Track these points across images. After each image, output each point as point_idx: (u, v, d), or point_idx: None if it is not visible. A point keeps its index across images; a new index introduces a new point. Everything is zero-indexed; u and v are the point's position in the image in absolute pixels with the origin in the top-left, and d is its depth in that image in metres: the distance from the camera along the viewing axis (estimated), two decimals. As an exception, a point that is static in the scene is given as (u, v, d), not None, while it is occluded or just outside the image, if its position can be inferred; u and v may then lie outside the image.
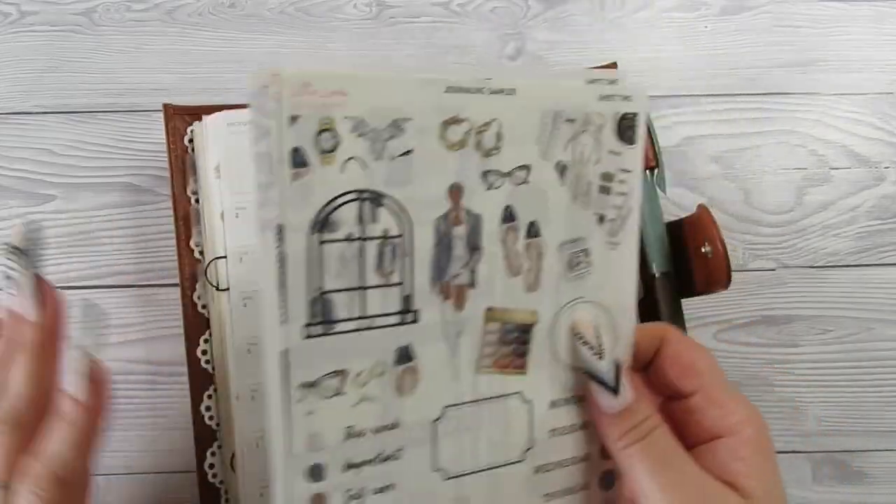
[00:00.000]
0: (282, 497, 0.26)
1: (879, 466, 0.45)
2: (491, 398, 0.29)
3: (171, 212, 0.40)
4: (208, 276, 0.38)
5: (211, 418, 0.39)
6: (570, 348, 0.30)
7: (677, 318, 0.40)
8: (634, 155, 0.29)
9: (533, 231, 0.29)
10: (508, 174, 0.28)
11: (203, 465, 0.38)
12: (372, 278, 0.26)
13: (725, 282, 0.37)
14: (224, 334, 0.38)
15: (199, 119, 0.40)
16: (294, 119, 0.24)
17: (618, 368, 0.29)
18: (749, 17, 0.50)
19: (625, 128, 0.29)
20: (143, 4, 0.48)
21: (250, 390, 0.38)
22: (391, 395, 0.27)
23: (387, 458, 0.27)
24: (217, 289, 0.38)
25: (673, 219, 0.40)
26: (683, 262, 0.39)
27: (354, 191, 0.25)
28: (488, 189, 0.27)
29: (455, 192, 0.27)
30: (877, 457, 0.45)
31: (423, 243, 0.27)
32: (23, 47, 0.47)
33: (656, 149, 0.41)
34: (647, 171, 0.41)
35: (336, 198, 0.25)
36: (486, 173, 0.27)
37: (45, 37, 0.47)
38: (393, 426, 0.27)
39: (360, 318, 0.26)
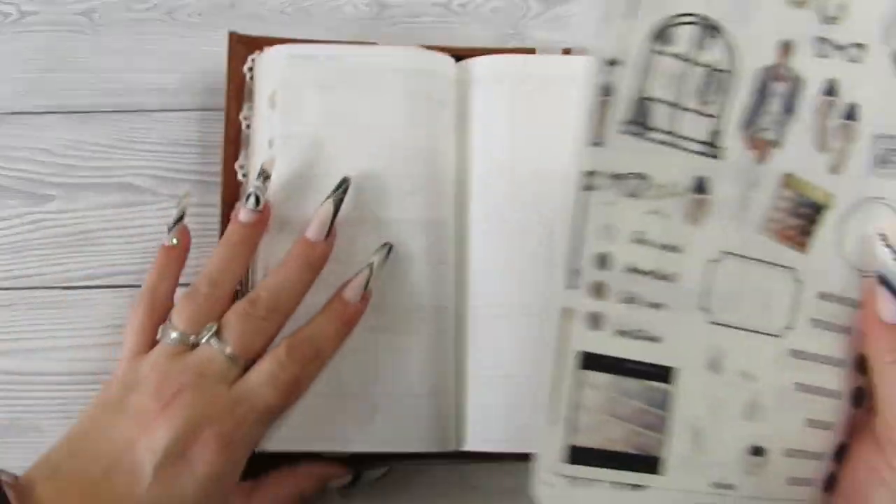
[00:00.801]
0: (563, 277, 0.27)
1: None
2: (765, 262, 0.29)
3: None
4: None
5: None
6: (866, 247, 0.28)
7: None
8: None
9: (851, 113, 0.28)
10: (842, 48, 0.27)
11: None
12: (690, 101, 0.27)
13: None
14: (256, 254, 0.39)
15: (261, 50, 0.42)
16: None
17: None
18: (749, 17, 0.49)
19: None
20: (143, 4, 0.48)
21: None
22: (679, 219, 0.28)
23: (663, 277, 0.28)
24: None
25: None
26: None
27: (697, 14, 0.27)
28: (817, 56, 0.27)
29: (785, 48, 0.27)
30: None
31: (743, 86, 0.27)
32: (23, 47, 0.47)
33: None
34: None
35: (681, 14, 0.27)
36: (820, 39, 0.27)
37: (45, 37, 0.47)
38: (674, 249, 0.28)
39: (670, 133, 0.27)
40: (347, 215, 0.38)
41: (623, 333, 0.28)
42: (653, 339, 0.28)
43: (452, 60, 0.43)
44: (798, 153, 0.28)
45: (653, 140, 0.27)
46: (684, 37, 0.27)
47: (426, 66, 0.42)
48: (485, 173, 0.42)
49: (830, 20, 0.27)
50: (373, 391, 0.38)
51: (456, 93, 0.43)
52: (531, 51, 0.44)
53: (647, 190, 0.27)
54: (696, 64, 0.27)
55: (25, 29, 0.47)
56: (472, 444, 0.39)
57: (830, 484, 0.30)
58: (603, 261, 0.28)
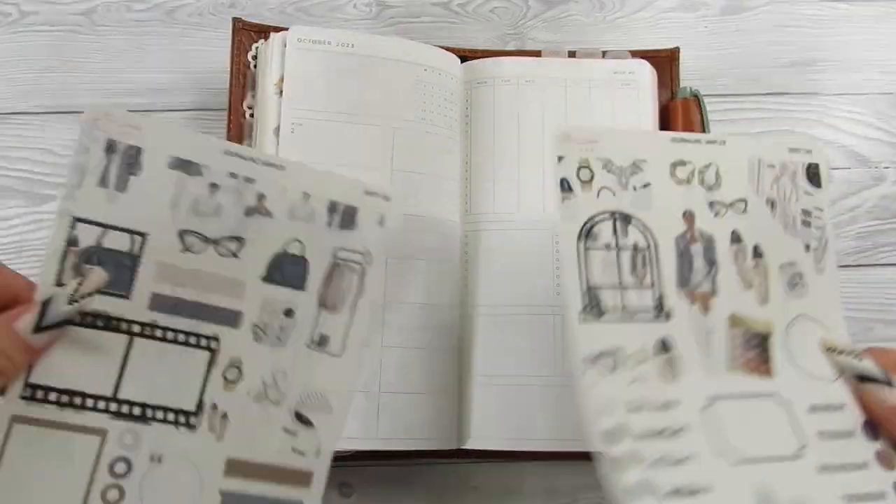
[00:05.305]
0: (603, 461, 0.29)
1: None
2: (745, 395, 0.32)
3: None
4: None
5: None
6: (828, 361, 0.33)
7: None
8: (822, 196, 0.35)
9: (757, 252, 0.34)
10: (730, 205, 0.34)
11: None
12: (628, 280, 0.32)
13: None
14: None
15: (266, 37, 0.42)
16: (560, 158, 0.32)
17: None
18: (749, 17, 0.50)
19: (812, 174, 0.35)
20: (143, 4, 0.48)
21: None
22: (657, 380, 0.31)
23: (676, 433, 0.31)
24: None
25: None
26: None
27: (608, 211, 0.32)
28: (715, 216, 0.34)
29: (688, 216, 0.33)
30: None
31: (668, 254, 0.33)
32: (23, 47, 0.47)
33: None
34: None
35: (595, 216, 0.32)
36: (711, 203, 0.33)
37: (45, 37, 0.47)
38: (667, 406, 0.31)
39: (623, 308, 0.32)
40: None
41: (677, 493, 0.29)
42: (703, 490, 0.29)
43: (458, 60, 0.43)
44: (732, 296, 0.33)
45: (610, 320, 0.32)
46: (606, 231, 0.32)
47: (435, 62, 0.42)
48: (489, 174, 0.42)
49: (713, 187, 0.34)
50: (377, 389, 0.38)
51: (462, 92, 0.43)
52: (537, 53, 0.44)
53: (621, 364, 0.31)
54: (622, 248, 0.32)
55: (25, 29, 0.47)
56: (473, 442, 0.39)
57: None
58: (612, 435, 0.29)
